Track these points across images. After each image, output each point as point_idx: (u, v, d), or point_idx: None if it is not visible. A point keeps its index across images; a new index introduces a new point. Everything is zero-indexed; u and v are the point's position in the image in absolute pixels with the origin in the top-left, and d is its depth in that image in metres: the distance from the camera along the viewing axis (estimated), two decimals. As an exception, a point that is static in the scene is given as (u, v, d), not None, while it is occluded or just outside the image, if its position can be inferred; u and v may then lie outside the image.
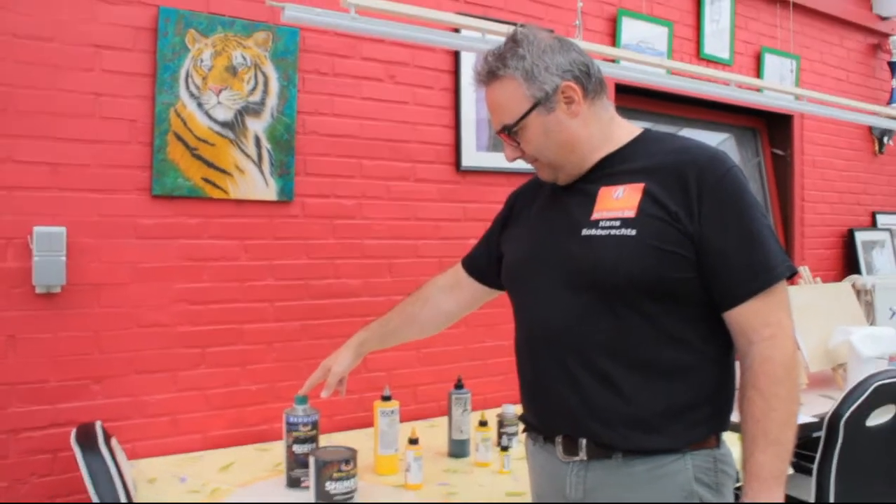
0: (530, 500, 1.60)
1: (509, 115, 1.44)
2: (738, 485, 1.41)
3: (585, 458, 1.39)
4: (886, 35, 4.52)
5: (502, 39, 1.43)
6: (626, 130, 1.51)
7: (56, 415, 2.08)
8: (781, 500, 1.30)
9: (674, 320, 1.36)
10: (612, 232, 1.36)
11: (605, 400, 1.36)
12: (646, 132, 1.52)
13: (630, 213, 1.36)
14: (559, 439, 1.43)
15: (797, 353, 1.36)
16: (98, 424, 1.91)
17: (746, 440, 1.32)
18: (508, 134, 1.46)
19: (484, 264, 1.74)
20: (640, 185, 1.38)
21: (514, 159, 1.51)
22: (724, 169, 1.37)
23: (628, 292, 1.34)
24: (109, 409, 2.15)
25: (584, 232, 1.40)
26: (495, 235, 1.71)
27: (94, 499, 1.62)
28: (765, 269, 1.33)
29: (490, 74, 1.45)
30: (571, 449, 1.41)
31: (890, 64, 4.43)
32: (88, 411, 2.11)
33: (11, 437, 2.02)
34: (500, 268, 1.64)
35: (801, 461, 2.66)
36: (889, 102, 4.36)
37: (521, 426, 1.59)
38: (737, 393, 1.40)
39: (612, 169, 1.45)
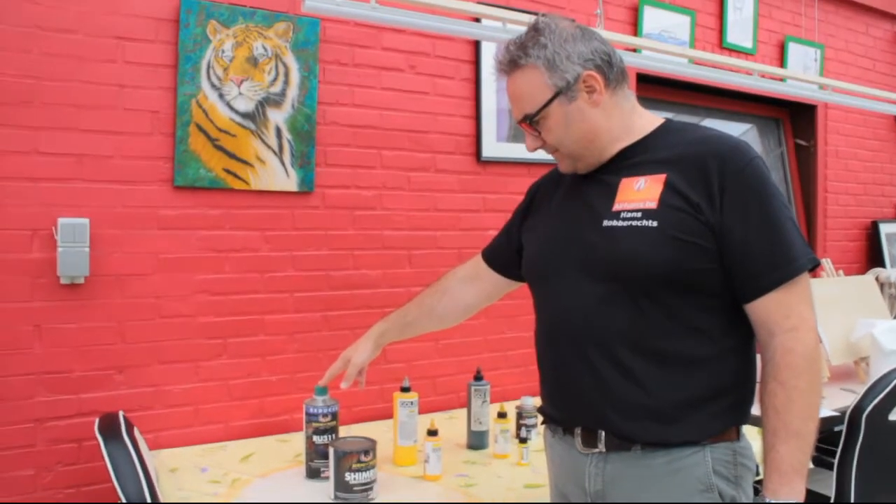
0: (549, 492, 1.60)
1: (531, 104, 1.44)
2: (757, 478, 1.40)
3: (604, 450, 1.39)
4: (913, 23, 4.45)
5: (523, 29, 1.42)
6: (648, 121, 1.49)
7: (80, 404, 2.10)
8: (802, 493, 1.29)
9: (695, 311, 1.35)
10: (634, 223, 1.36)
11: (626, 391, 1.35)
12: (667, 122, 1.50)
13: (652, 205, 1.35)
14: (578, 431, 1.43)
15: (819, 345, 1.35)
16: (121, 414, 1.93)
17: (767, 432, 1.31)
18: (530, 123, 1.45)
19: (504, 256, 1.74)
20: (662, 177, 1.37)
21: (535, 149, 1.50)
22: (746, 159, 1.35)
23: (649, 283, 1.34)
24: (132, 399, 2.18)
25: (606, 223, 1.39)
26: (516, 227, 1.70)
27: (117, 488, 1.63)
28: (787, 261, 1.32)
29: (511, 63, 1.45)
30: (590, 441, 1.41)
31: (917, 52, 4.36)
32: (112, 401, 2.14)
33: (38, 426, 2.05)
34: (521, 259, 1.64)
35: (822, 455, 2.64)
36: (915, 92, 4.29)
37: (540, 418, 1.59)
38: (758, 386, 1.39)
39: (633, 160, 1.44)
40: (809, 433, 1.29)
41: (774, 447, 1.29)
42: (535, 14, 1.54)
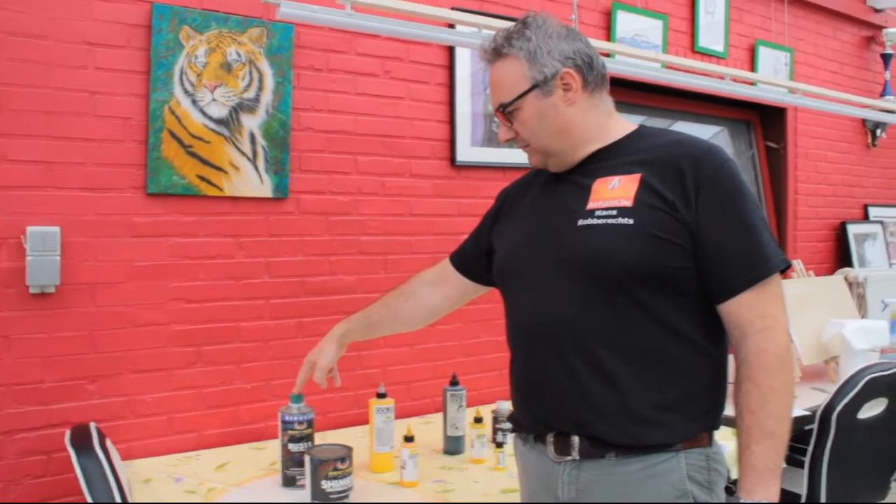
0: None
1: (507, 93, 1.45)
2: (731, 481, 1.42)
3: (578, 457, 1.38)
4: (880, 27, 4.53)
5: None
6: (622, 126, 1.51)
7: (51, 415, 2.07)
8: (777, 493, 1.31)
9: (671, 311, 1.36)
10: (609, 221, 1.36)
11: (601, 391, 1.35)
12: (641, 128, 1.52)
13: (627, 203, 1.36)
14: (550, 438, 1.42)
15: (791, 345, 1.37)
16: (92, 425, 1.91)
17: (742, 432, 1.33)
18: (503, 113, 1.47)
19: (472, 260, 1.74)
20: (637, 176, 1.39)
21: (507, 140, 1.52)
22: (720, 161, 1.38)
23: (626, 281, 1.34)
24: (104, 409, 2.15)
25: (581, 222, 1.40)
26: (485, 231, 1.70)
27: (89, 500, 1.62)
28: (760, 262, 1.34)
29: (495, 52, 1.47)
30: (563, 448, 1.40)
31: (883, 56, 4.43)
32: (83, 411, 2.11)
33: (6, 438, 2.02)
34: (489, 264, 1.64)
35: (794, 454, 2.68)
36: (882, 95, 4.36)
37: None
38: (730, 387, 1.41)
39: (606, 162, 1.45)
40: (783, 433, 1.31)
41: (749, 447, 1.31)
42: (509, 19, 1.55)
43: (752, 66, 3.92)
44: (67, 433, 1.83)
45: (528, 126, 1.46)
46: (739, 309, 1.34)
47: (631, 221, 1.34)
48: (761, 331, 1.33)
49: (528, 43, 1.43)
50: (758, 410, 1.31)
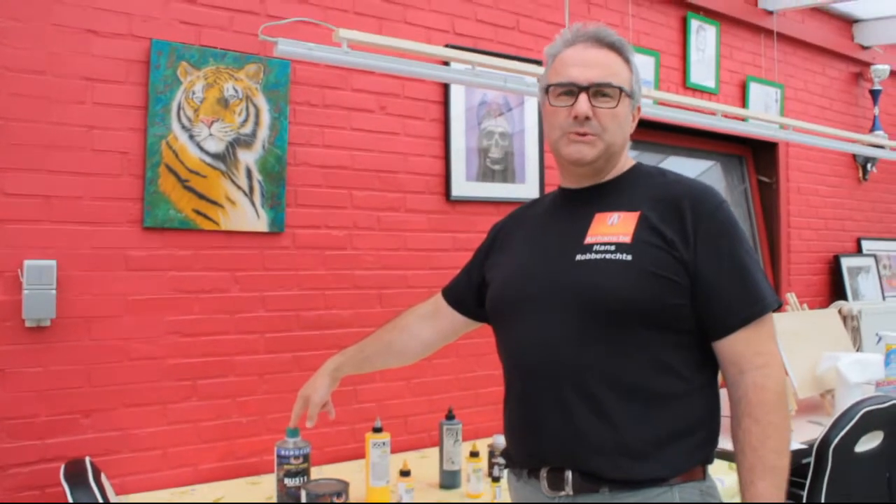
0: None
1: (616, 78, 1.44)
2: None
3: (572, 492, 1.37)
4: (868, 64, 4.60)
5: (491, 71, 1.46)
6: (627, 161, 1.54)
7: (45, 450, 2.06)
8: None
9: (666, 347, 1.36)
10: (608, 256, 1.37)
11: (595, 426, 1.35)
12: (638, 164, 1.55)
13: (626, 239, 1.37)
14: (544, 473, 1.41)
15: (787, 380, 1.38)
16: (87, 460, 1.89)
17: (744, 469, 1.33)
18: (601, 89, 1.42)
19: (464, 294, 1.74)
20: (636, 213, 1.40)
21: (583, 118, 1.41)
22: (718, 201, 1.41)
23: (622, 317, 1.35)
24: (99, 444, 2.13)
25: (578, 257, 1.40)
26: (477, 266, 1.70)
27: (84, 536, 1.60)
28: (755, 300, 1.36)
29: (612, 44, 1.47)
30: (557, 483, 1.39)
31: (872, 92, 4.50)
32: (78, 446, 2.10)
33: (0, 473, 2.00)
34: (480, 298, 1.64)
35: (791, 488, 2.66)
36: (871, 130, 4.42)
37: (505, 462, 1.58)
38: (724, 422, 1.41)
39: (606, 196, 1.47)
40: (784, 467, 1.32)
41: (753, 483, 1.31)
42: (504, 56, 1.57)
43: (744, 102, 3.97)
44: (62, 468, 1.82)
45: (614, 118, 1.44)
46: (736, 346, 1.36)
47: (629, 258, 1.35)
48: (759, 367, 1.34)
49: (634, 62, 1.50)
50: (759, 447, 1.31)
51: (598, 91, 1.42)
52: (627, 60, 1.47)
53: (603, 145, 1.44)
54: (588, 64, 1.44)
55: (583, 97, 1.42)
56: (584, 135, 1.43)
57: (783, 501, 1.31)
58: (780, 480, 1.31)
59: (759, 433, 1.31)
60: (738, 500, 1.36)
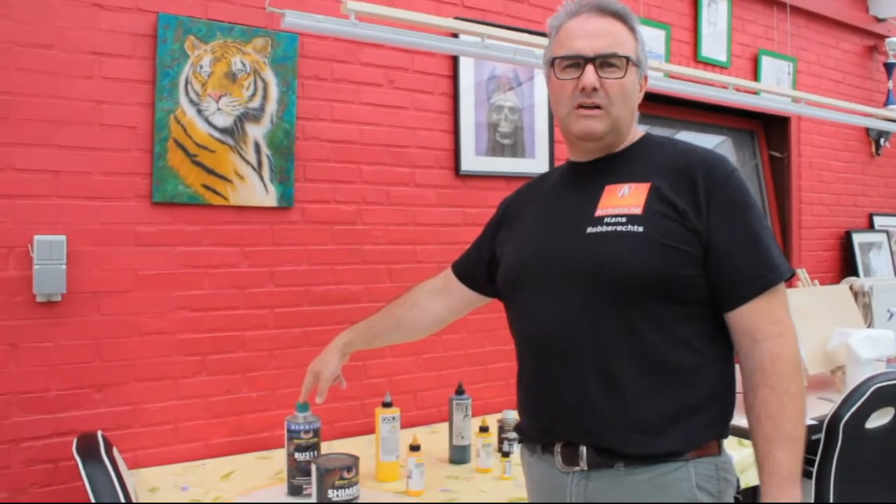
0: (531, 509, 1.59)
1: (623, 48, 1.42)
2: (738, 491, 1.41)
3: (586, 467, 1.37)
4: (882, 37, 4.53)
5: (501, 44, 1.44)
6: (635, 133, 1.52)
7: (57, 424, 2.07)
8: (800, 496, 1.30)
9: (679, 320, 1.35)
10: (619, 228, 1.36)
11: (609, 401, 1.34)
12: (648, 135, 1.53)
13: (637, 210, 1.36)
14: (558, 448, 1.41)
15: (800, 360, 1.37)
16: (99, 434, 1.90)
17: (761, 439, 1.32)
18: (608, 59, 1.40)
19: (474, 269, 1.74)
20: (647, 184, 1.39)
21: (591, 89, 1.40)
22: (730, 169, 1.40)
23: (635, 290, 1.33)
24: (110, 418, 2.15)
25: (589, 230, 1.39)
26: (487, 241, 1.69)
27: (96, 509, 1.61)
28: (769, 269, 1.35)
29: (616, 13, 1.45)
30: (571, 458, 1.39)
31: (886, 65, 4.44)
32: (89, 420, 2.11)
33: (13, 447, 2.02)
34: (490, 273, 1.63)
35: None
36: (885, 104, 4.37)
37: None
38: (738, 396, 1.40)
39: (616, 167, 1.45)
40: (801, 437, 1.31)
41: (772, 453, 1.30)
42: (513, 29, 1.55)
43: (755, 76, 3.92)
44: (74, 442, 1.83)
45: (622, 89, 1.42)
46: (751, 315, 1.35)
47: (640, 229, 1.34)
48: (774, 336, 1.33)
49: (639, 30, 1.47)
50: (777, 416, 1.30)
51: (604, 62, 1.41)
52: (633, 29, 1.45)
53: (611, 118, 1.42)
54: (593, 34, 1.42)
55: (589, 68, 1.40)
56: (592, 107, 1.42)
57: (799, 472, 1.31)
58: (797, 450, 1.30)
59: (777, 402, 1.30)
60: (753, 473, 1.36)
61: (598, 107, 1.41)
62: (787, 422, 1.30)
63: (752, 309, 1.34)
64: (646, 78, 1.50)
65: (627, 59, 1.41)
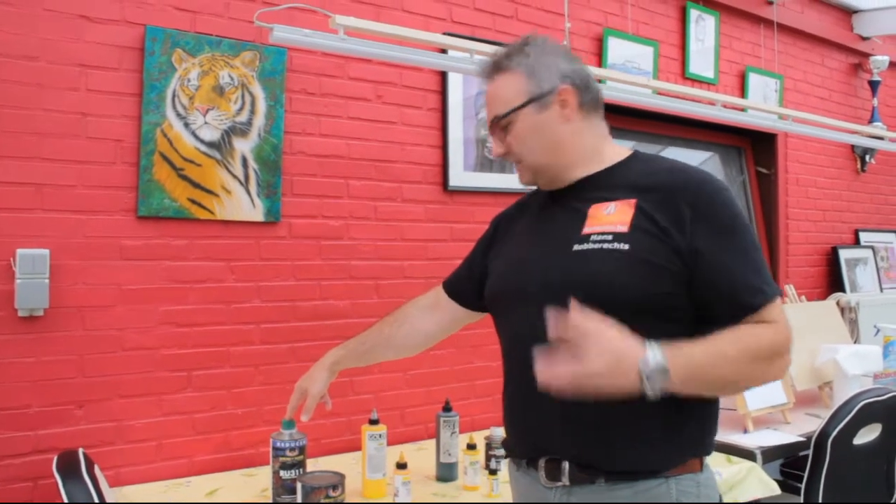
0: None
1: (503, 105, 1.46)
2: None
3: (568, 483, 1.37)
4: (867, 55, 4.57)
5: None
6: (617, 151, 1.51)
7: (38, 441, 2.04)
8: (668, 379, 1.21)
9: (662, 337, 1.34)
10: (605, 246, 1.35)
11: (591, 417, 1.33)
12: (636, 153, 1.52)
13: (623, 228, 1.35)
14: (542, 463, 1.41)
15: (788, 357, 1.34)
16: (80, 451, 1.87)
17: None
18: (498, 125, 1.47)
19: (465, 286, 1.73)
20: (633, 201, 1.38)
21: (500, 156, 1.51)
22: (717, 188, 1.38)
23: (620, 307, 1.31)
24: (92, 435, 2.12)
25: (576, 247, 1.39)
26: (478, 257, 1.69)
27: (77, 528, 1.59)
28: (763, 286, 1.33)
29: (494, 66, 1.48)
30: (554, 473, 1.39)
31: (871, 83, 4.48)
32: (71, 437, 2.08)
33: (-8, 464, 1.99)
34: (482, 290, 1.63)
35: (790, 480, 2.67)
36: (870, 121, 4.40)
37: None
38: (722, 415, 1.39)
39: (601, 187, 1.45)
40: (702, 383, 1.26)
41: (691, 344, 1.25)
42: (501, 45, 1.56)
43: (743, 93, 3.95)
44: (54, 459, 1.80)
45: (522, 140, 1.46)
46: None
47: (626, 247, 1.33)
48: (763, 322, 1.30)
49: (528, 59, 1.45)
50: (724, 341, 1.26)
51: (499, 122, 1.47)
52: (518, 67, 1.45)
53: (531, 167, 1.49)
54: (487, 103, 1.51)
55: (493, 138, 1.51)
56: (517, 162, 1.51)
57: (687, 380, 1.23)
58: (690, 370, 1.23)
59: (733, 338, 1.26)
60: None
61: (519, 161, 1.49)
62: (728, 346, 1.25)
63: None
64: (563, 92, 1.44)
65: (510, 112, 1.45)
